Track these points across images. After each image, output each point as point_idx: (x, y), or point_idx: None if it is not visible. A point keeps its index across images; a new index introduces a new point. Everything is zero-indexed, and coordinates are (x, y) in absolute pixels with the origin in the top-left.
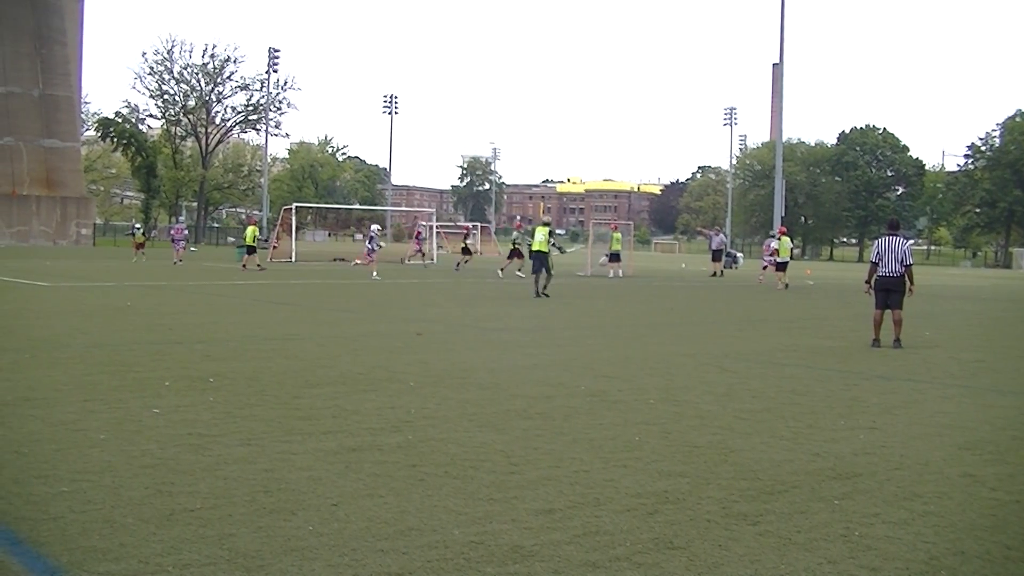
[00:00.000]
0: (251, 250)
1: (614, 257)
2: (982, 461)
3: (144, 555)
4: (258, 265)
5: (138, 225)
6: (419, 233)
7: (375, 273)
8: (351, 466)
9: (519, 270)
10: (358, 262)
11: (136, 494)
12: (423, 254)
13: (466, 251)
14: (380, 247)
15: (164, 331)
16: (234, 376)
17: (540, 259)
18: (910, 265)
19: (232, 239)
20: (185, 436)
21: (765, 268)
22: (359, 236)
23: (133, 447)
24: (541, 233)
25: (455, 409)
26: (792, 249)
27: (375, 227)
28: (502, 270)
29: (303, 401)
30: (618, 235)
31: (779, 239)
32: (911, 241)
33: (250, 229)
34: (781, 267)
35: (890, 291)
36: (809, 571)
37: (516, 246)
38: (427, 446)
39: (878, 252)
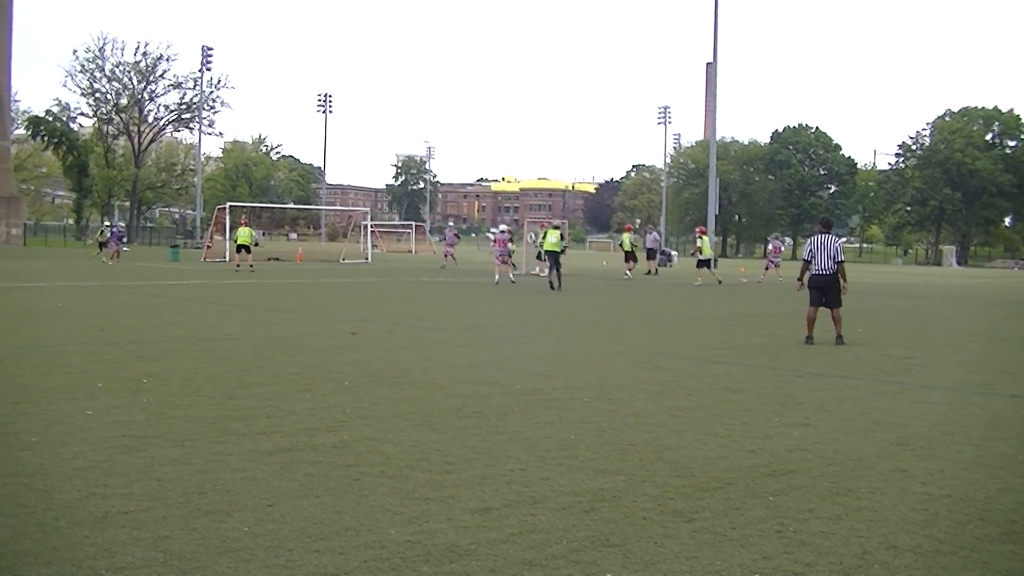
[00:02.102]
0: (247, 249)
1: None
2: (914, 456)
3: (77, 558)
4: (251, 266)
5: (107, 223)
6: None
7: (512, 275)
8: (286, 466)
9: (629, 271)
10: (499, 276)
11: (68, 497)
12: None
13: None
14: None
15: (97, 332)
16: (168, 377)
17: (554, 258)
18: (842, 261)
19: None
20: (118, 438)
21: (768, 269)
22: (292, 235)
23: (65, 449)
24: (553, 235)
25: (390, 408)
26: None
27: (503, 228)
28: (629, 271)
29: (238, 402)
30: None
31: (700, 238)
32: (843, 239)
33: (245, 230)
34: (703, 264)
35: (825, 289)
36: (744, 567)
37: (634, 248)
38: (363, 446)
39: (811, 250)
